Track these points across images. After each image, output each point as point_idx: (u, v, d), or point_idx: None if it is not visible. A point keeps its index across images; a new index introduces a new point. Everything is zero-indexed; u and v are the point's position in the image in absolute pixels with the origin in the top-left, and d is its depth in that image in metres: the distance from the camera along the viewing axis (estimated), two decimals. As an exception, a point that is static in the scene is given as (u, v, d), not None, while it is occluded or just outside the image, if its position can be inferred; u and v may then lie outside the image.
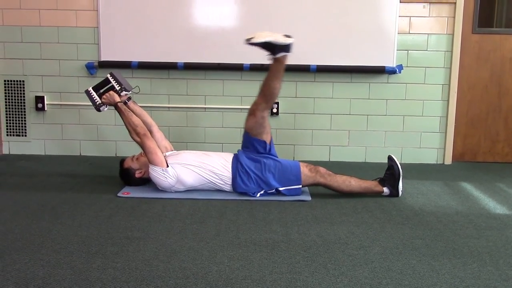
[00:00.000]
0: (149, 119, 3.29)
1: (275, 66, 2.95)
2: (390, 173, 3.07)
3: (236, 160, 3.04)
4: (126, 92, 3.20)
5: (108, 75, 3.20)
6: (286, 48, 2.91)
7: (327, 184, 3.01)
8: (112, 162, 3.74)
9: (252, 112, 3.04)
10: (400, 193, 3.06)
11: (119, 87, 3.16)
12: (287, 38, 2.87)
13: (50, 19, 4.06)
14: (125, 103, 3.14)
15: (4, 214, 2.59)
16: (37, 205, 2.76)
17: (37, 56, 4.12)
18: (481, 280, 1.88)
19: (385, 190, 3.05)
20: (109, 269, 1.92)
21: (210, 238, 2.29)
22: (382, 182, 3.07)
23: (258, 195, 2.99)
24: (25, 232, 2.31)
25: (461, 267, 2.00)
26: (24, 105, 4.18)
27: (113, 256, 2.04)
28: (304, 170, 3.00)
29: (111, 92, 3.14)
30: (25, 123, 4.20)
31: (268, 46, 2.87)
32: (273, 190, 3.00)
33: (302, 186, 3.01)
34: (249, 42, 2.84)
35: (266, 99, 3.00)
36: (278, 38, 2.83)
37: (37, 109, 4.16)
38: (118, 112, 3.10)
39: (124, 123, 3.07)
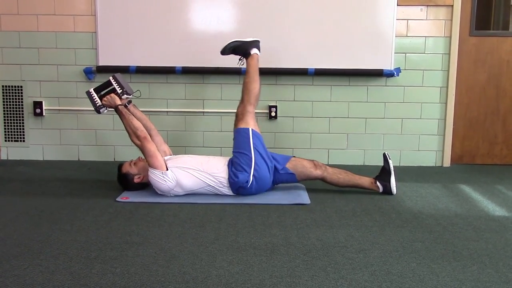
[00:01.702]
0: (148, 123, 3.29)
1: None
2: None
3: (231, 160, 3.08)
4: (127, 96, 3.21)
5: (110, 78, 3.20)
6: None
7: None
8: (110, 167, 3.73)
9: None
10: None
11: (121, 90, 3.16)
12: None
13: (48, 24, 4.06)
14: (125, 106, 3.14)
15: (3, 220, 2.59)
16: (36, 211, 2.75)
17: (35, 61, 4.11)
18: (481, 283, 1.88)
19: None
20: (108, 274, 1.91)
21: (210, 242, 2.28)
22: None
23: (251, 178, 2.99)
24: (24, 238, 2.31)
25: (460, 270, 2.00)
26: (22, 111, 4.17)
27: (112, 261, 2.04)
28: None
29: (112, 95, 3.14)
30: (23, 129, 4.20)
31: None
32: (253, 156, 3.02)
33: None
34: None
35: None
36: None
37: (35, 114, 4.16)
38: (119, 115, 3.11)
39: (125, 126, 3.07)
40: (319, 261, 2.07)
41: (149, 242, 2.27)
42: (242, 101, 3.24)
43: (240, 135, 3.12)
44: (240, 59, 3.40)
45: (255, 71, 3.27)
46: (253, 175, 3.01)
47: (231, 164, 3.06)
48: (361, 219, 2.68)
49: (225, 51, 3.38)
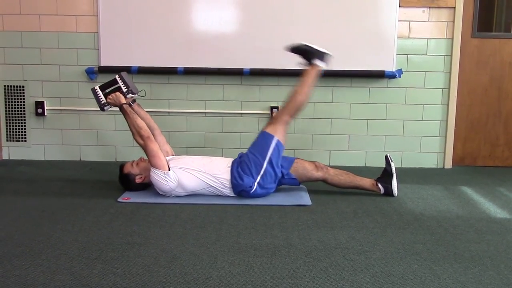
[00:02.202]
0: (152, 123, 3.30)
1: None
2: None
3: (235, 161, 3.06)
4: (132, 95, 3.21)
5: (116, 76, 3.21)
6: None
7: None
8: (112, 167, 3.74)
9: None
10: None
11: (126, 89, 3.17)
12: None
13: (50, 25, 4.07)
14: (129, 105, 3.14)
15: (4, 220, 2.59)
16: (37, 211, 2.75)
17: (37, 61, 4.12)
18: (483, 285, 1.88)
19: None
20: (109, 274, 1.91)
21: (211, 243, 2.28)
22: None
23: (255, 185, 2.98)
24: (25, 238, 2.31)
25: (462, 272, 1.99)
26: (24, 110, 4.18)
27: (113, 262, 2.04)
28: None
29: (118, 93, 3.15)
30: (25, 128, 4.20)
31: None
32: (264, 166, 2.99)
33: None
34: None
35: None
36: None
37: (37, 114, 4.16)
38: (123, 114, 3.10)
39: (128, 125, 3.07)
40: (320, 262, 2.07)
41: (150, 243, 2.27)
42: (284, 107, 3.16)
43: (262, 139, 3.07)
44: (303, 63, 3.19)
45: (308, 83, 3.12)
46: (258, 182, 3.00)
47: (238, 163, 3.03)
48: (363, 220, 2.67)
49: (292, 49, 3.18)
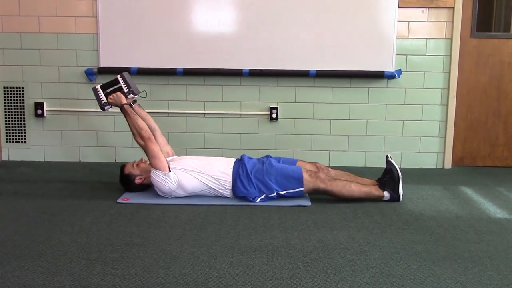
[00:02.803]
0: (153, 124, 3.29)
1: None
2: (389, 177, 3.07)
3: (238, 164, 3.04)
4: (133, 96, 3.21)
5: (118, 76, 3.20)
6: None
7: (327, 190, 3.00)
8: (111, 168, 3.74)
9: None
10: (401, 197, 3.06)
11: (127, 89, 3.16)
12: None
13: (49, 26, 4.07)
14: (130, 106, 3.14)
15: (4, 221, 2.59)
16: (37, 212, 2.75)
17: (37, 62, 4.12)
18: (482, 285, 1.88)
19: (386, 194, 3.05)
20: (109, 275, 1.91)
21: (210, 244, 2.28)
22: (382, 186, 3.07)
23: (259, 200, 2.98)
24: (25, 239, 2.31)
25: (462, 272, 1.99)
26: (24, 112, 4.18)
27: (112, 263, 2.04)
28: (304, 175, 2.99)
29: (119, 93, 3.14)
30: (24, 130, 4.20)
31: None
32: (274, 194, 3.00)
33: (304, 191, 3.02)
34: (390, 163, 3.07)
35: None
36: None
37: (37, 115, 4.16)
38: (124, 114, 3.10)
39: (129, 125, 3.07)
40: (320, 262, 2.07)
41: (149, 244, 2.27)
42: (329, 180, 3.02)
43: (292, 178, 2.98)
44: (384, 181, 3.09)
45: (362, 194, 3.03)
46: (262, 198, 3.01)
47: (241, 169, 3.00)
48: (362, 221, 2.67)
49: (389, 166, 3.10)
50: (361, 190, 3.03)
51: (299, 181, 2.98)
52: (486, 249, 2.26)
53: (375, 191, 3.05)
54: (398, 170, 3.04)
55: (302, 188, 2.98)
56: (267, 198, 3.00)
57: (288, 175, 3.00)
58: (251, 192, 2.97)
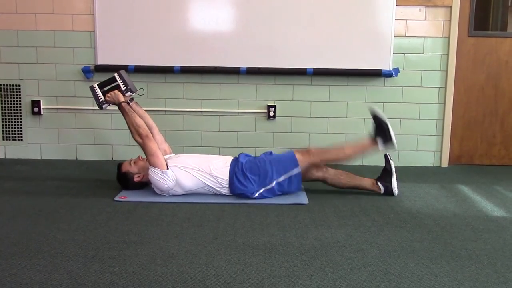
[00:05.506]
0: (150, 121, 3.29)
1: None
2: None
3: (234, 162, 3.04)
4: (131, 93, 3.20)
5: (115, 74, 3.20)
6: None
7: (324, 159, 3.07)
8: (108, 166, 3.73)
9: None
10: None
11: (125, 87, 3.16)
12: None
13: (46, 23, 4.06)
14: (127, 104, 3.13)
15: (1, 219, 2.58)
16: (34, 210, 2.75)
17: (33, 60, 4.10)
18: (479, 283, 1.88)
19: (379, 143, 3.11)
20: (106, 273, 1.91)
21: (208, 241, 2.28)
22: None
23: (257, 194, 2.98)
24: (22, 237, 2.30)
25: (459, 270, 2.00)
26: (20, 109, 4.16)
27: (110, 261, 2.03)
28: (297, 155, 3.05)
29: (116, 91, 3.14)
30: (21, 128, 4.19)
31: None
32: (273, 184, 2.99)
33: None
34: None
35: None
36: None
37: (33, 113, 4.15)
38: (121, 112, 3.10)
39: (127, 123, 3.07)
40: (318, 260, 2.07)
41: (147, 242, 2.27)
42: (322, 150, 3.12)
43: (288, 159, 3.03)
44: (371, 131, 3.21)
45: (356, 150, 3.16)
46: (261, 193, 3.00)
47: (237, 166, 3.01)
48: (360, 219, 2.68)
49: (374, 115, 3.19)
50: (355, 148, 3.16)
51: (293, 160, 3.02)
52: (483, 247, 2.26)
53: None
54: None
55: (299, 167, 3.01)
56: (265, 192, 3.00)
57: (281, 160, 3.05)
58: (248, 188, 2.97)
